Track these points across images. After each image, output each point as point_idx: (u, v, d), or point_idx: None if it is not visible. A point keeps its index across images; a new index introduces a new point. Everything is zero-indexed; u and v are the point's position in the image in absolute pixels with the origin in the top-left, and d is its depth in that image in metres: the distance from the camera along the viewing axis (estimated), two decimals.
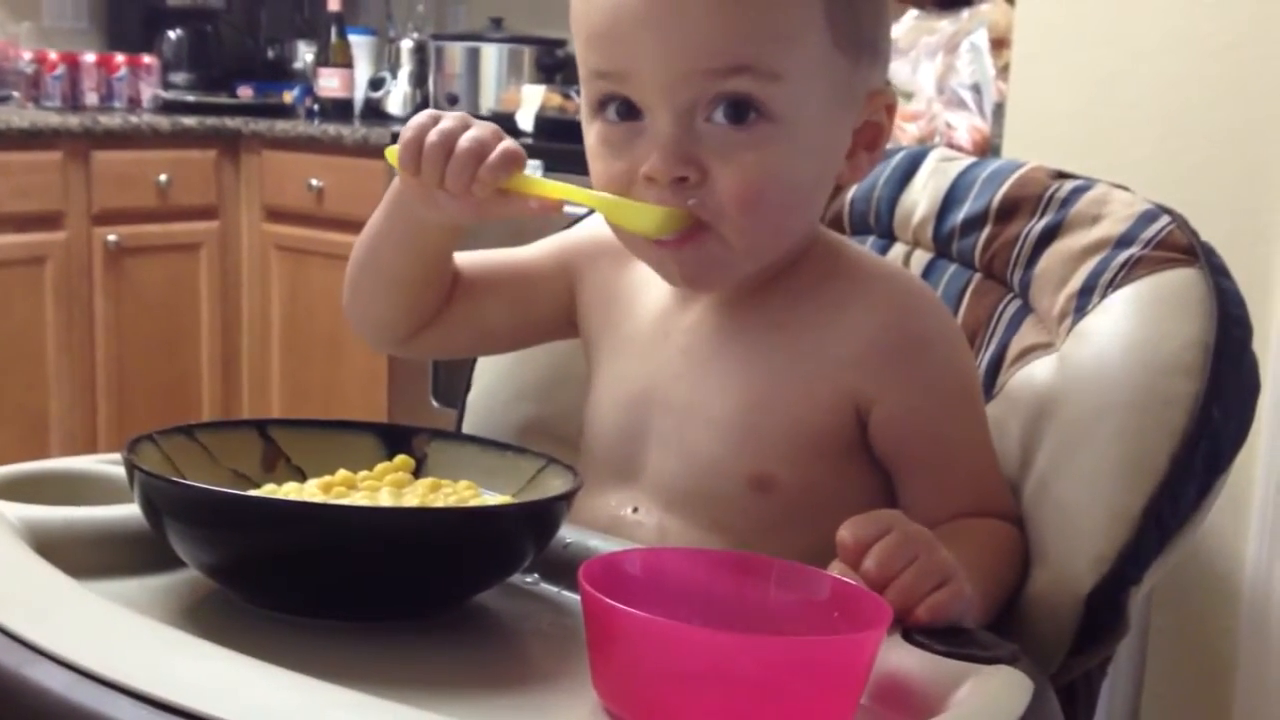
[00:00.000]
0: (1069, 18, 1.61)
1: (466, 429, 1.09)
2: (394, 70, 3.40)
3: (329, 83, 3.34)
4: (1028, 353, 0.93)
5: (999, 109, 1.96)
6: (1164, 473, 0.82)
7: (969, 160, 1.05)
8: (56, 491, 0.80)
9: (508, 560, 0.75)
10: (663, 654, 0.60)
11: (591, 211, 1.02)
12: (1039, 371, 0.91)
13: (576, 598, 0.66)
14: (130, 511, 0.75)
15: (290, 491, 0.78)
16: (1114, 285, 0.88)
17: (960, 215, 1.00)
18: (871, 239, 1.06)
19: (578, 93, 2.92)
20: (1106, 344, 0.86)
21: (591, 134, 0.84)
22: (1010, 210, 0.98)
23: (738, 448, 0.85)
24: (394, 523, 0.71)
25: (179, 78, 3.47)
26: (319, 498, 0.77)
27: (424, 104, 3.34)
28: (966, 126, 2.03)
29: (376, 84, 3.39)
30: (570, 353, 1.04)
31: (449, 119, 0.81)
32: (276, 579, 0.72)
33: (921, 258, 1.03)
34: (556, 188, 0.80)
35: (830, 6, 0.79)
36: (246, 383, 3.23)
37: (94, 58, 3.24)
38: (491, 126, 0.81)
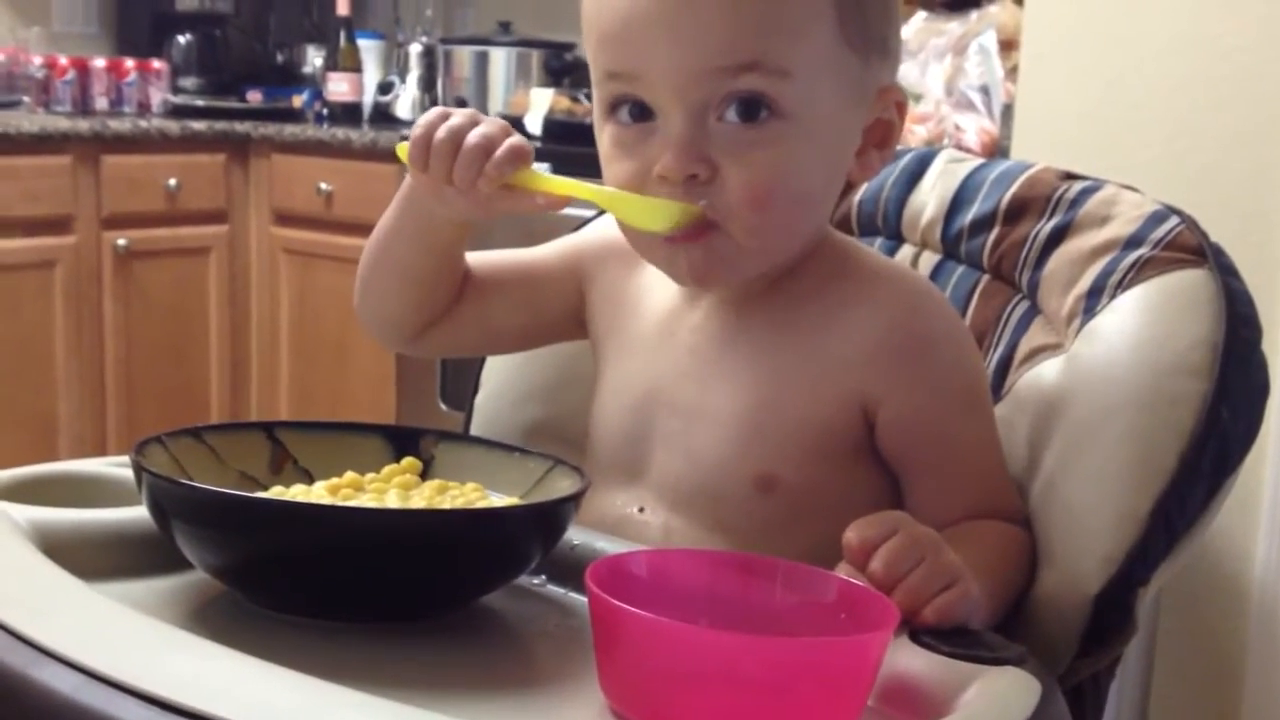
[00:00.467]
0: (1077, 19, 1.61)
1: (474, 431, 1.09)
2: (402, 74, 3.40)
3: (338, 87, 3.34)
4: (1036, 354, 0.93)
5: (1008, 111, 1.96)
6: (1172, 473, 0.82)
7: (977, 161, 1.04)
8: (64, 493, 0.81)
9: (514, 562, 0.75)
10: (669, 655, 0.60)
11: (600, 213, 1.02)
12: (1047, 372, 0.90)
13: (583, 599, 0.66)
14: (138, 513, 0.75)
15: (298, 493, 0.79)
16: (1123, 286, 0.88)
17: (969, 216, 1.00)
18: (879, 240, 1.06)
19: (586, 96, 2.92)
20: (1115, 345, 0.86)
21: (604, 137, 0.84)
22: (1019, 211, 0.97)
23: (743, 448, 0.85)
24: (401, 524, 0.71)
25: (188, 82, 3.48)
26: (326, 500, 0.77)
27: (432, 107, 3.34)
28: (975, 128, 2.03)
29: (385, 88, 3.40)
30: (577, 355, 1.04)
31: (458, 115, 0.81)
32: (284, 581, 0.72)
33: (930, 259, 1.03)
34: (563, 183, 0.81)
35: (839, 4, 0.79)
36: (255, 386, 3.24)
37: (104, 62, 3.25)
38: (500, 123, 0.81)
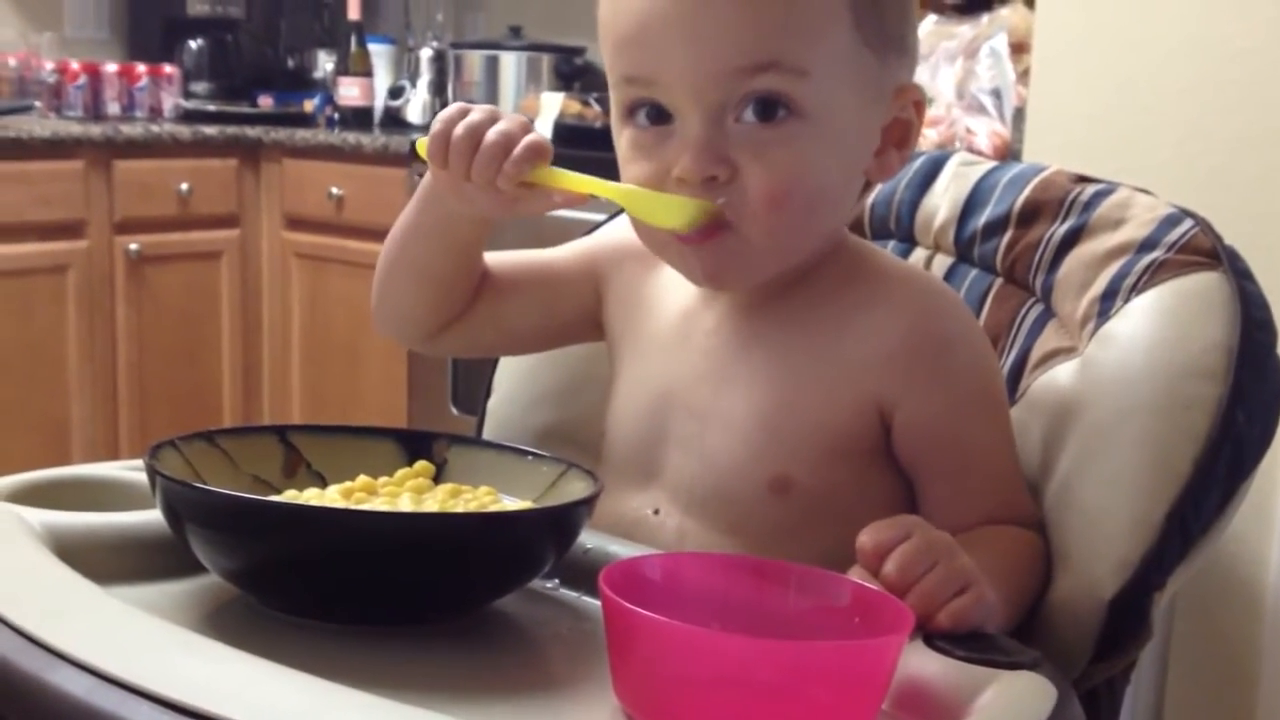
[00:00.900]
0: (1089, 22, 1.60)
1: (487, 434, 1.09)
2: (413, 79, 3.41)
3: (349, 91, 3.35)
4: (1050, 357, 0.92)
5: (1019, 114, 1.95)
6: (1187, 477, 0.82)
7: (990, 164, 1.04)
8: (78, 497, 0.81)
9: (528, 566, 0.75)
10: (683, 659, 0.60)
11: (616, 215, 1.02)
12: (1061, 376, 0.90)
13: (597, 603, 0.66)
14: (152, 517, 0.75)
15: (310, 497, 0.79)
16: (1137, 289, 0.88)
17: (982, 219, 1.00)
18: (892, 243, 1.06)
19: (597, 100, 2.93)
20: (1129, 348, 0.86)
21: (623, 140, 0.84)
22: (1032, 214, 0.97)
23: (758, 450, 0.85)
24: (414, 528, 0.71)
25: (200, 87, 3.49)
26: (339, 503, 0.77)
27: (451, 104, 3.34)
28: (987, 131, 2.02)
29: (396, 92, 3.40)
30: (590, 358, 1.04)
31: (477, 112, 0.81)
32: (297, 584, 0.72)
33: (943, 262, 1.03)
34: (581, 180, 0.81)
35: (855, 3, 0.79)
36: (267, 390, 3.25)
37: (115, 68, 3.26)
38: (519, 119, 0.81)
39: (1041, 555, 0.85)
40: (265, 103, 3.49)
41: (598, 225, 1.05)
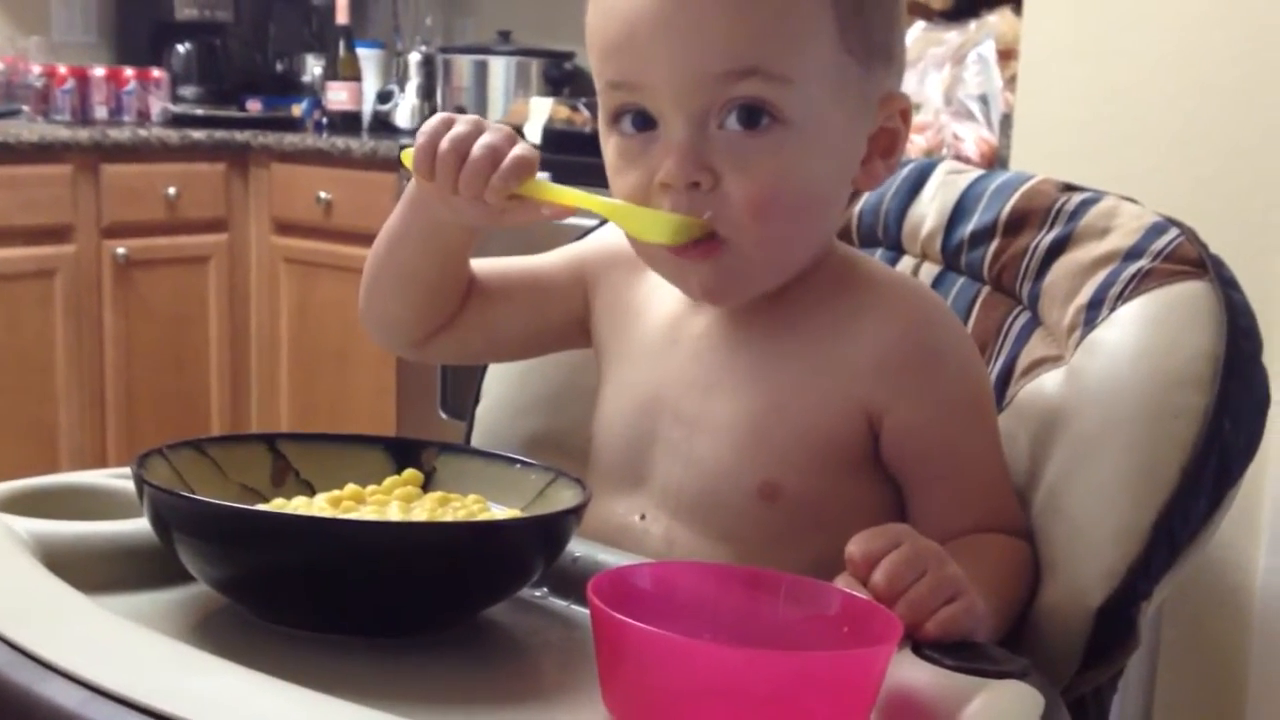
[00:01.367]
0: (1076, 30, 1.61)
1: (475, 442, 1.09)
2: (402, 83, 3.41)
3: (337, 96, 3.35)
4: (1037, 365, 0.93)
5: (1006, 120, 1.96)
6: (1174, 486, 0.82)
7: (977, 173, 1.04)
8: (66, 506, 0.81)
9: (517, 575, 0.75)
10: (672, 669, 0.60)
11: (604, 222, 1.02)
12: (1048, 384, 0.90)
13: (585, 612, 0.66)
14: (140, 526, 0.75)
15: (299, 506, 0.78)
16: (1123, 298, 0.88)
17: (969, 228, 1.00)
18: (880, 251, 1.06)
19: (585, 105, 2.93)
20: (1116, 357, 0.86)
21: (609, 147, 0.84)
22: (1019, 222, 0.97)
23: (746, 456, 0.85)
24: (402, 537, 0.71)
25: (188, 91, 3.49)
26: (327, 512, 0.77)
27: (436, 114, 3.34)
28: (974, 138, 2.03)
29: (385, 97, 3.40)
30: (579, 366, 1.04)
31: (462, 123, 0.81)
32: (285, 593, 0.72)
33: (930, 270, 1.03)
34: (569, 194, 0.81)
35: (840, 11, 0.80)
36: (255, 395, 3.24)
37: (103, 71, 3.26)
38: (505, 131, 0.82)
39: (1029, 563, 0.85)
40: (253, 107, 3.48)
41: (589, 231, 1.06)
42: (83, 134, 2.91)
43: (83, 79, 3.20)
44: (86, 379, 2.95)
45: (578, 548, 0.79)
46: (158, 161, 3.01)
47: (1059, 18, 1.63)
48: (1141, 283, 0.88)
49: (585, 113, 2.74)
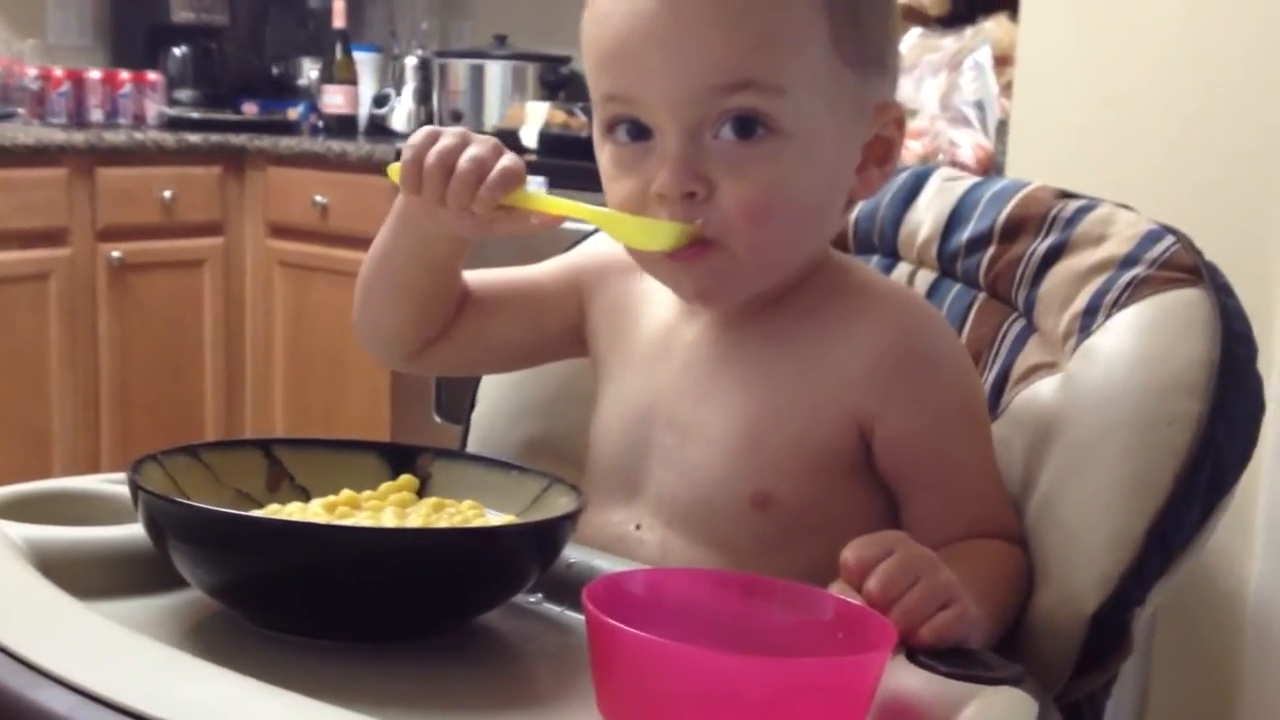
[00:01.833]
0: (1072, 36, 1.61)
1: (471, 447, 1.09)
2: (398, 87, 3.41)
3: (333, 99, 3.35)
4: (1032, 372, 0.93)
5: (1002, 126, 1.96)
6: (1168, 492, 0.82)
7: (973, 180, 1.05)
8: (60, 511, 0.81)
9: (511, 581, 0.75)
10: (667, 675, 0.60)
11: (596, 230, 1.02)
12: (1043, 391, 0.91)
13: (580, 617, 0.66)
14: (134, 532, 0.75)
15: (294, 511, 0.78)
16: (1118, 305, 0.88)
17: (965, 235, 1.00)
18: (875, 258, 1.06)
19: (582, 109, 2.92)
20: (1111, 364, 0.86)
21: (604, 155, 0.84)
22: (1014, 230, 0.98)
23: (739, 465, 0.85)
24: (397, 544, 0.71)
25: (184, 94, 3.48)
26: (323, 518, 0.77)
27: (428, 121, 3.34)
28: (970, 144, 2.03)
29: (381, 100, 3.40)
30: (575, 371, 1.04)
31: (448, 136, 0.81)
32: (280, 599, 0.72)
33: (926, 277, 1.03)
34: (557, 204, 0.81)
35: (834, 20, 0.80)
36: (249, 399, 3.24)
37: (99, 74, 3.25)
38: (491, 142, 0.82)
39: (1023, 570, 0.85)
40: (249, 110, 3.48)
41: (584, 238, 1.06)
42: (78, 137, 2.91)
43: (78, 82, 3.20)
44: (81, 382, 2.95)
45: (573, 553, 0.79)
46: (153, 165, 3.00)
47: (1055, 25, 1.63)
48: (1137, 290, 0.88)
49: (581, 117, 2.74)
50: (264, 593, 0.72)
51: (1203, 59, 1.50)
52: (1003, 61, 2.02)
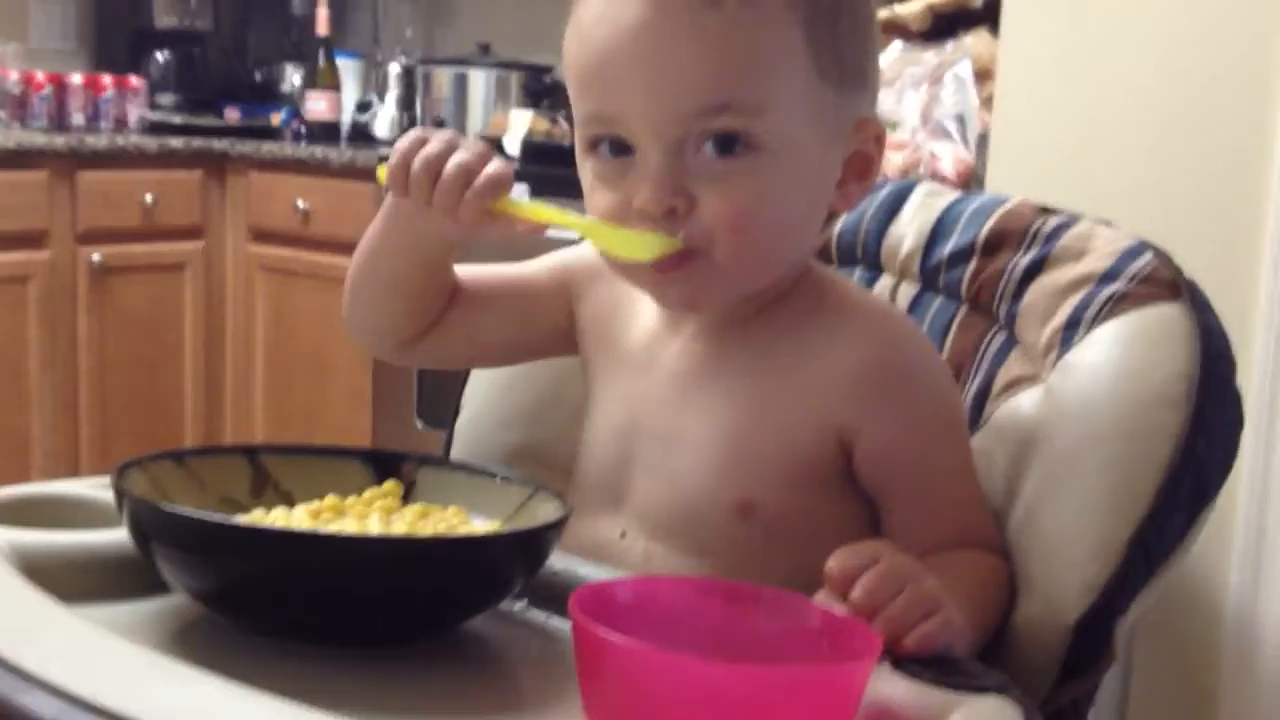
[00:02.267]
0: (1052, 51, 1.63)
1: (455, 454, 1.09)
2: (381, 94, 3.41)
3: (316, 105, 3.34)
4: (1014, 385, 0.94)
5: (983, 139, 1.97)
6: (1150, 504, 0.83)
7: (955, 194, 1.05)
8: (44, 515, 0.80)
9: (496, 588, 0.75)
10: (653, 683, 0.61)
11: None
12: (1025, 403, 0.91)
13: (566, 624, 0.66)
14: (118, 536, 0.75)
15: (278, 517, 0.78)
16: (1098, 320, 0.89)
17: (947, 248, 1.01)
18: (859, 270, 1.07)
19: (565, 118, 2.92)
20: (1092, 377, 0.87)
21: (587, 170, 0.85)
22: (996, 244, 0.98)
23: (722, 474, 0.86)
24: (382, 551, 0.71)
25: (166, 99, 3.47)
26: (307, 524, 0.77)
27: (411, 127, 3.34)
28: (951, 157, 2.04)
29: (364, 107, 3.40)
30: (560, 378, 1.04)
31: (436, 141, 0.82)
32: (264, 605, 0.72)
33: (908, 290, 1.04)
34: (543, 211, 0.81)
35: (813, 38, 0.80)
36: (230, 403, 3.23)
37: (81, 78, 3.24)
38: (478, 148, 0.82)
39: (1004, 579, 0.86)
40: (232, 115, 3.47)
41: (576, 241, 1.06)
42: (59, 140, 2.90)
43: (60, 86, 3.19)
44: (60, 385, 2.93)
45: (558, 561, 0.79)
46: (135, 168, 2.99)
47: (1035, 39, 1.65)
48: (1117, 305, 0.89)
49: (565, 125, 2.75)
50: (248, 598, 0.72)
51: (1181, 74, 1.51)
52: (983, 75, 2.03)
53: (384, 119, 3.37)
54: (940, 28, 2.17)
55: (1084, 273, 0.92)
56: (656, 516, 0.88)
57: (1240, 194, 1.48)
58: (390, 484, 0.84)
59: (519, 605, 0.81)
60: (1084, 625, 0.82)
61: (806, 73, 0.81)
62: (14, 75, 3.19)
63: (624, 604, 0.69)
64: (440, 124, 3.19)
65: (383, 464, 0.86)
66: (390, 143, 3.30)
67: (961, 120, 2.08)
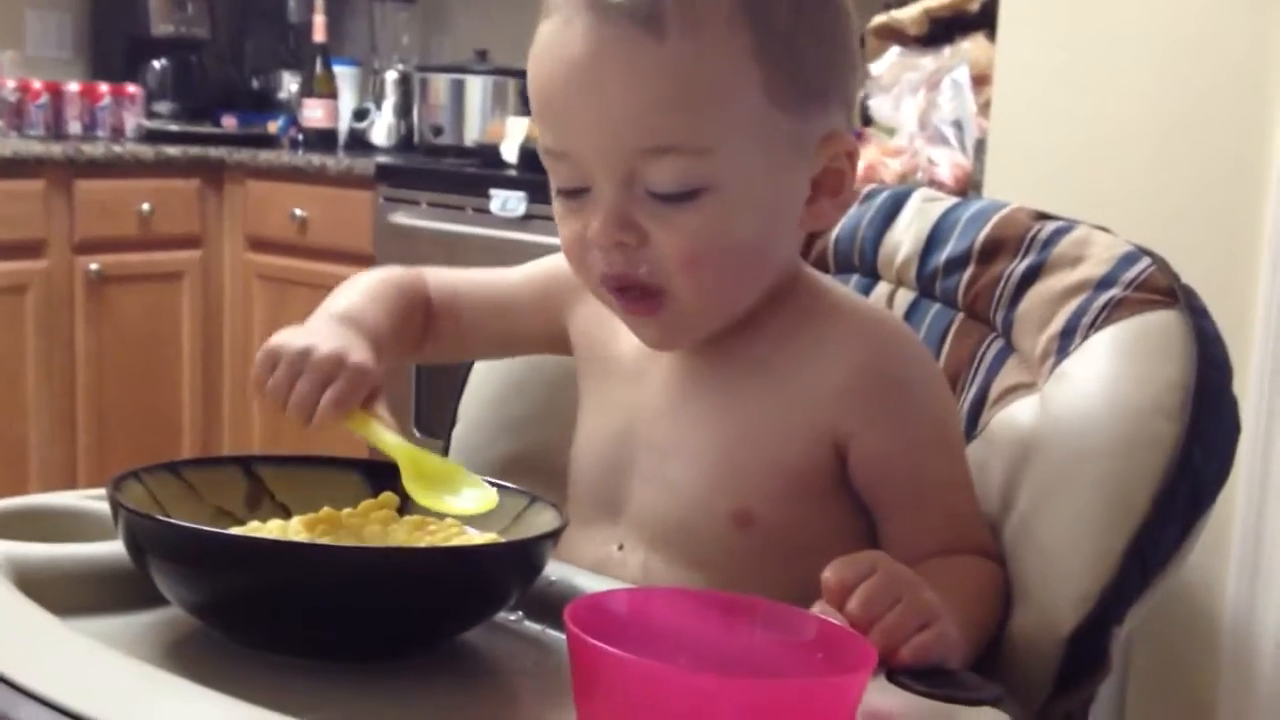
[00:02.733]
0: (1049, 56, 1.63)
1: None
2: (378, 101, 3.40)
3: (313, 113, 3.34)
4: (1010, 393, 0.93)
5: (980, 145, 1.97)
6: (1146, 513, 0.83)
7: (952, 201, 1.05)
8: (40, 528, 0.80)
9: (492, 599, 0.75)
10: (648, 696, 0.60)
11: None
12: (1021, 412, 0.91)
13: (561, 636, 0.66)
14: (113, 548, 0.75)
15: (274, 529, 0.78)
16: (1095, 327, 0.89)
17: (943, 255, 1.01)
18: (855, 277, 1.07)
19: None
20: (1088, 386, 0.87)
21: (554, 201, 0.85)
22: (992, 251, 0.98)
23: (719, 484, 0.86)
24: (378, 563, 0.71)
25: (163, 107, 3.47)
26: (303, 536, 0.77)
27: (408, 135, 3.35)
28: (948, 162, 2.04)
29: (361, 115, 3.40)
30: (555, 388, 1.05)
31: (283, 366, 0.82)
32: (260, 617, 0.72)
33: (905, 297, 1.04)
34: (382, 440, 0.82)
35: (766, 67, 0.78)
36: (227, 412, 3.22)
37: (78, 87, 3.24)
38: (321, 372, 0.82)
39: (1000, 586, 0.85)
40: (229, 123, 3.47)
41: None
42: (56, 149, 2.90)
43: (57, 94, 3.19)
44: (57, 395, 2.93)
45: (553, 571, 0.79)
46: (132, 177, 2.99)
47: (1032, 45, 1.65)
48: (1113, 312, 0.89)
49: None
50: (244, 611, 0.72)
51: (1179, 80, 1.52)
52: (980, 81, 2.03)
53: (381, 126, 3.37)
54: (937, 33, 2.17)
55: (1081, 279, 0.92)
56: (654, 527, 0.88)
57: (1238, 200, 1.48)
58: (386, 495, 0.84)
59: (515, 617, 0.81)
60: (1079, 636, 0.82)
61: (759, 104, 0.78)
62: (10, 84, 3.19)
63: (619, 616, 0.68)
64: (438, 131, 3.19)
65: (379, 475, 0.86)
66: (387, 150, 3.31)
67: (959, 126, 2.08)
